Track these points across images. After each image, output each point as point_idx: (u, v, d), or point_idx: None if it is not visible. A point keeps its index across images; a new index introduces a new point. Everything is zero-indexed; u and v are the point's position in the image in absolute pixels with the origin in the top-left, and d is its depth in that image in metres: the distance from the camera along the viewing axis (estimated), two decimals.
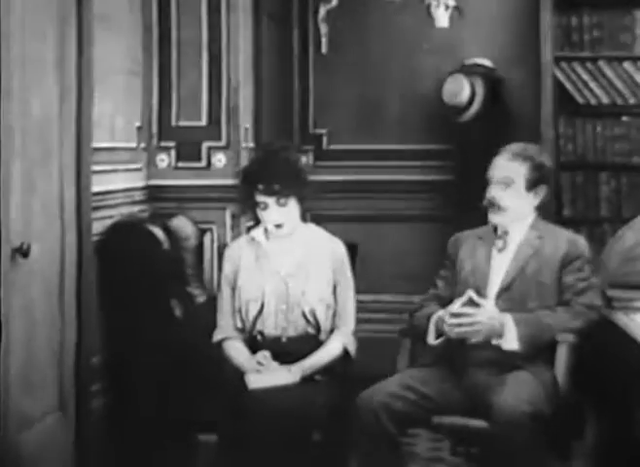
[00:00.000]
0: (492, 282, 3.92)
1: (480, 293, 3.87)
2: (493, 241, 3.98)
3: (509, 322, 3.76)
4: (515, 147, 3.98)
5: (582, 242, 3.98)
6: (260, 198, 3.97)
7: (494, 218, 3.96)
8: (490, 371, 3.77)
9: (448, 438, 4.33)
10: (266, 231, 4.09)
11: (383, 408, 3.66)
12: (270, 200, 3.96)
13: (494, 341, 3.78)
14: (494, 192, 3.93)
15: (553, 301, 3.88)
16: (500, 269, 3.93)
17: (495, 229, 4.00)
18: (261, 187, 3.95)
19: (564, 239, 3.95)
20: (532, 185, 3.94)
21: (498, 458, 3.59)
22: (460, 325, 3.75)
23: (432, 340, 3.86)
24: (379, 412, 3.65)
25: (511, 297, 3.87)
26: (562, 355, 3.80)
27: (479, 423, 3.69)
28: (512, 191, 3.92)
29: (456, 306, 3.80)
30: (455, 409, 3.77)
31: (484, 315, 3.76)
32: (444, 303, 3.95)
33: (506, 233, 3.96)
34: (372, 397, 3.69)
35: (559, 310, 3.85)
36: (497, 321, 3.77)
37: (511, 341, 3.75)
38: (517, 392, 3.59)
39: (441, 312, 3.86)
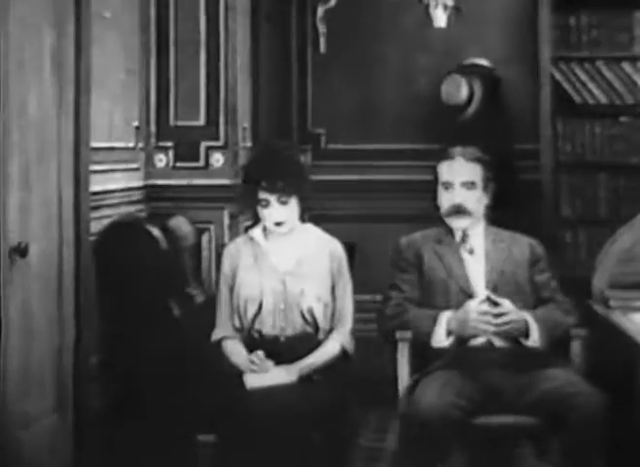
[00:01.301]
0: (476, 284, 3.94)
1: (467, 294, 3.90)
2: (454, 244, 4.01)
3: (530, 320, 3.82)
4: (465, 150, 4.04)
5: (538, 244, 4.08)
6: (262, 196, 3.96)
7: (460, 223, 3.99)
8: (513, 370, 3.77)
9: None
10: (264, 230, 4.09)
11: (447, 419, 3.59)
12: (273, 198, 3.95)
13: (500, 343, 3.81)
14: (460, 197, 3.97)
15: (532, 300, 3.94)
16: (478, 271, 3.96)
17: (451, 231, 4.03)
18: (264, 184, 3.95)
19: (524, 242, 4.05)
20: (486, 184, 4.02)
21: (573, 451, 3.61)
22: (501, 324, 3.78)
23: (443, 340, 3.84)
24: (445, 423, 3.58)
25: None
26: (577, 350, 3.88)
27: (529, 420, 3.70)
28: (475, 192, 3.99)
29: (475, 305, 3.82)
30: (491, 409, 3.74)
31: (514, 314, 3.81)
32: (417, 305, 3.95)
33: (467, 235, 4.01)
34: (432, 409, 3.59)
35: (553, 308, 3.93)
36: (522, 319, 3.82)
37: (535, 339, 3.81)
38: (585, 385, 3.66)
39: (450, 314, 3.85)
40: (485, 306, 3.84)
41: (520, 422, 3.75)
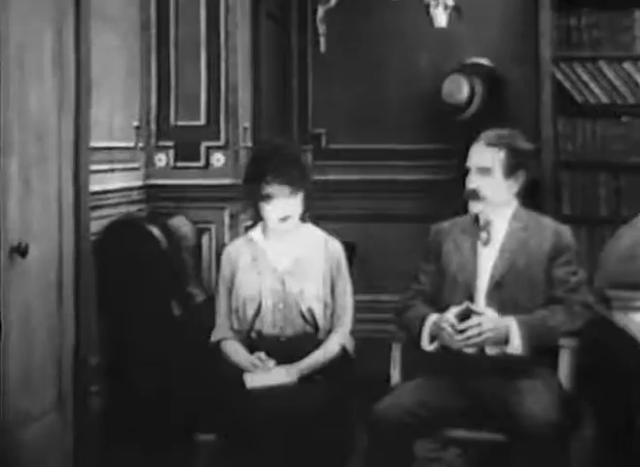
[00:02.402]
0: (481, 279, 3.83)
1: (471, 290, 3.81)
2: (477, 233, 3.89)
3: (513, 326, 3.68)
4: (490, 134, 3.90)
5: (567, 233, 3.89)
6: (268, 190, 3.94)
7: (475, 207, 3.86)
8: (496, 379, 3.70)
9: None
10: (264, 230, 4.08)
11: (399, 424, 3.59)
12: (279, 191, 3.93)
13: (491, 350, 3.73)
14: (474, 181, 3.85)
15: (544, 295, 3.80)
16: (488, 264, 3.83)
17: (477, 218, 3.91)
18: (271, 177, 3.92)
19: (550, 231, 3.86)
20: (511, 171, 3.86)
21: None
22: (469, 338, 3.67)
23: (427, 345, 3.79)
24: (395, 428, 3.58)
25: (502, 294, 3.78)
26: (566, 360, 3.76)
27: (493, 436, 3.66)
28: (491, 178, 3.84)
29: (452, 314, 3.71)
30: (465, 420, 3.70)
31: (490, 323, 3.68)
32: (430, 299, 3.89)
33: (488, 223, 3.87)
34: (387, 413, 3.61)
35: (557, 310, 3.77)
36: (502, 327, 3.69)
37: (516, 346, 3.68)
38: (541, 401, 3.55)
39: (435, 317, 3.77)
40: (461, 325, 3.69)
41: (482, 438, 3.72)
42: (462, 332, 3.69)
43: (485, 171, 3.84)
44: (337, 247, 4.09)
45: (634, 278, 4.20)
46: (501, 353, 3.73)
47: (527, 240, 3.84)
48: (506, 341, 3.69)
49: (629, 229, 4.41)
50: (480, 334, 3.67)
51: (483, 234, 3.88)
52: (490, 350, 3.76)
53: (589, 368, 3.86)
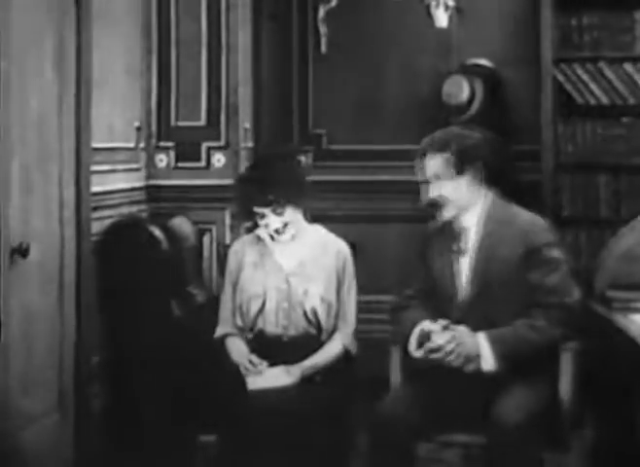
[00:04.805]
0: (459, 292, 3.77)
1: (449, 302, 3.76)
2: (454, 240, 3.81)
3: (483, 343, 3.63)
4: (426, 142, 3.82)
5: (540, 231, 3.76)
6: (256, 209, 3.96)
7: (444, 215, 3.78)
8: (482, 387, 3.64)
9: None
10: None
11: (402, 425, 3.56)
12: (267, 210, 3.95)
13: (470, 367, 3.65)
14: (430, 191, 3.76)
15: (524, 300, 3.69)
16: (463, 277, 3.78)
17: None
18: (256, 199, 3.94)
19: (520, 234, 3.72)
20: (460, 168, 3.75)
21: None
22: (445, 354, 3.62)
23: (414, 351, 3.73)
24: (398, 429, 3.56)
25: (479, 309, 3.71)
26: (567, 363, 3.70)
27: (479, 439, 3.63)
28: (443, 182, 3.74)
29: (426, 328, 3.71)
30: (461, 424, 3.68)
31: (458, 341, 3.62)
32: (428, 296, 3.85)
33: (461, 230, 3.80)
34: (390, 413, 3.59)
35: (536, 317, 3.67)
36: (472, 343, 3.63)
37: (488, 363, 3.63)
38: (508, 404, 3.52)
39: (422, 327, 3.72)
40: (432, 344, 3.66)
41: (470, 441, 3.71)
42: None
43: (437, 177, 3.75)
44: (344, 249, 4.10)
45: (635, 279, 4.20)
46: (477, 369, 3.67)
47: (497, 248, 3.73)
48: (478, 357, 3.64)
49: (630, 230, 4.42)
50: (450, 352, 3.62)
51: (456, 245, 3.81)
52: (467, 368, 3.68)
53: (590, 369, 3.85)
